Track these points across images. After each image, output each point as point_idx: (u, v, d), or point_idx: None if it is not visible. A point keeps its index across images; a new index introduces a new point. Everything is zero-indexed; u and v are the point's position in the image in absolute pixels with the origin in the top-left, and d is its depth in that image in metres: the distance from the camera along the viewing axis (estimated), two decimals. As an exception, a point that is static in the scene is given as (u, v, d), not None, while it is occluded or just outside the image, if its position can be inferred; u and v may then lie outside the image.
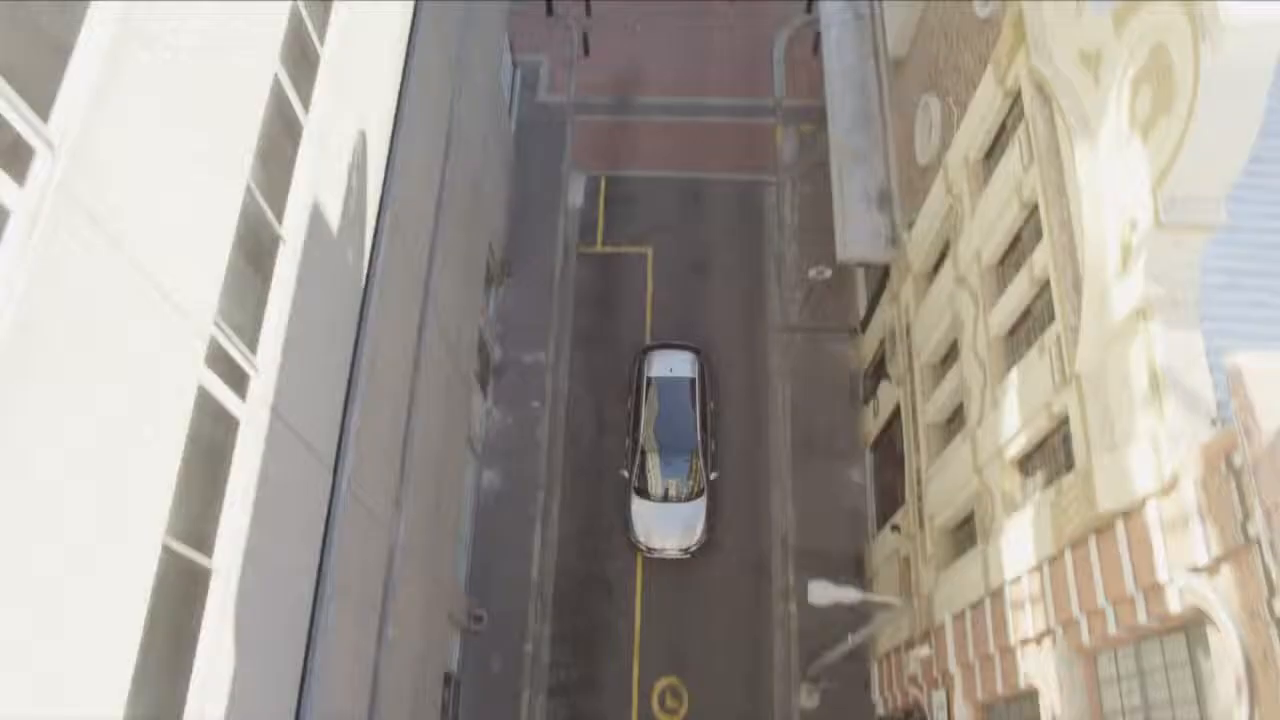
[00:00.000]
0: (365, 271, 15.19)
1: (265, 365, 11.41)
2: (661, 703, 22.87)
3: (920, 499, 19.75)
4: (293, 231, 12.13)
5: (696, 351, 25.35)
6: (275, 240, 11.75)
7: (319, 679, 13.14)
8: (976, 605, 16.37)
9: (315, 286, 12.92)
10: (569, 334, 26.53)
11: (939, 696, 18.17)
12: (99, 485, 7.80)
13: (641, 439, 24.43)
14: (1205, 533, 9.89)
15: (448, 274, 19.89)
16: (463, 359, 21.76)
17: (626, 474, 24.36)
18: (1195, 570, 10.14)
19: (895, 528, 21.37)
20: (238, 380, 10.79)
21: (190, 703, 9.96)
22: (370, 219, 15.41)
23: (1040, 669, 14.01)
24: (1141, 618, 11.25)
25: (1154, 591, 10.98)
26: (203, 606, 10.24)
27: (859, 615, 21.72)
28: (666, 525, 23.73)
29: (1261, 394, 8.52)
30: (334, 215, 13.62)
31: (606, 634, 23.47)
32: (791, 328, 26.34)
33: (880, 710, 22.58)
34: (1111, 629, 11.96)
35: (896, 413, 22.40)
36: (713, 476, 24.21)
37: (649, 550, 23.66)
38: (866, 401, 24.89)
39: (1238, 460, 9.24)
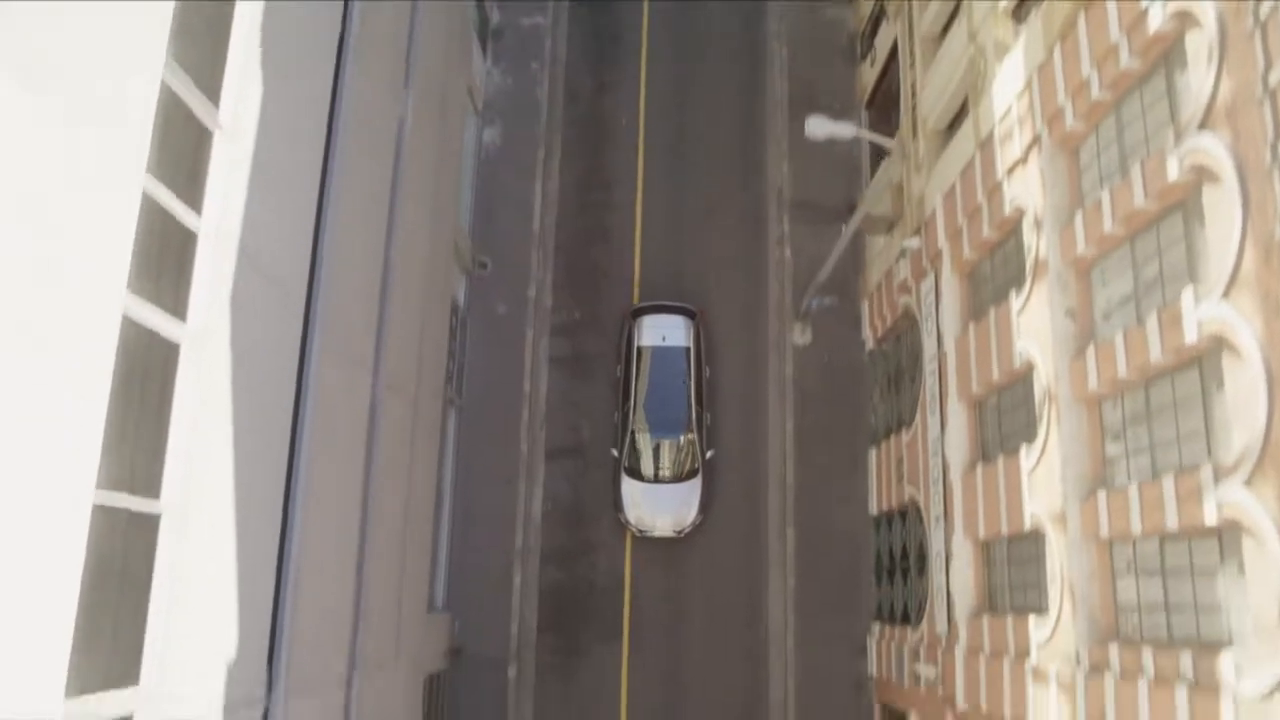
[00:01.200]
0: None
1: None
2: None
3: (915, 109, 20.21)
4: None
5: (691, 315, 23.32)
6: None
7: (332, 219, 13.84)
8: (966, 169, 17.02)
9: None
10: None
11: (927, 283, 19.06)
12: None
13: (632, 415, 22.68)
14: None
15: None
16: (459, -4, 21.76)
17: (616, 452, 22.76)
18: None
19: (888, 152, 21.90)
20: None
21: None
22: None
23: (1026, 188, 14.73)
24: (1124, 60, 11.81)
25: (1136, 25, 11.49)
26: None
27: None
28: (659, 506, 22.35)
29: None
30: None
31: (606, 278, 24.34)
32: (790, -8, 26.24)
33: (869, 345, 23.69)
34: (1095, 93, 12.55)
35: (893, 56, 22.63)
36: (709, 455, 22.70)
37: (640, 532, 22.37)
38: (864, 57, 25.06)
39: None
